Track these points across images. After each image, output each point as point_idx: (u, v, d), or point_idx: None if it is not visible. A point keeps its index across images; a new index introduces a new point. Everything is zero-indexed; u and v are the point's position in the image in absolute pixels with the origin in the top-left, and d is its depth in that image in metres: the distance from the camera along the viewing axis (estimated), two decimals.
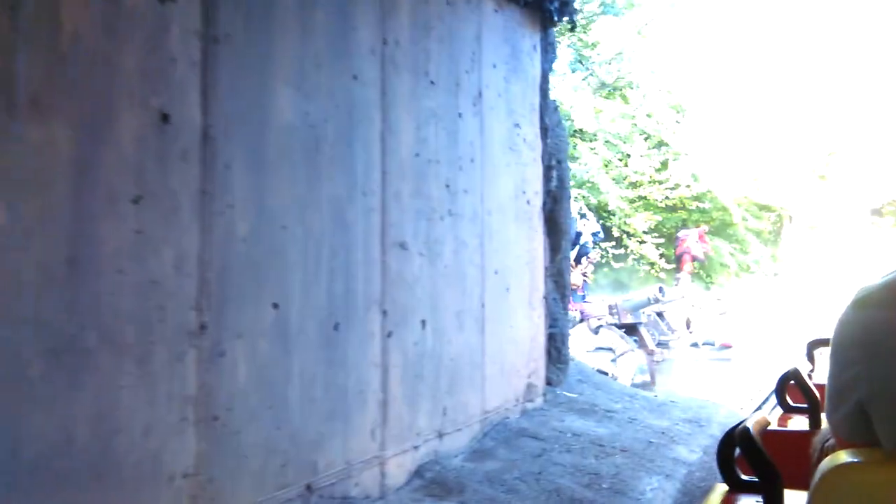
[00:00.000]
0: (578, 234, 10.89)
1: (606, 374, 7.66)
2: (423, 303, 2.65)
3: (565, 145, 4.12)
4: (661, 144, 17.66)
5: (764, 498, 1.32)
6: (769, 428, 1.58)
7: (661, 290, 9.71)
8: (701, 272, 20.09)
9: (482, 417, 3.11)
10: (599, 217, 17.35)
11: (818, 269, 21.36)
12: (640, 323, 10.28)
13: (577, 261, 13.31)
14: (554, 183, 3.93)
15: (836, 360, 1.16)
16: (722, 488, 1.56)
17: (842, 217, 23.43)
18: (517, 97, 3.59)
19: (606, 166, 16.02)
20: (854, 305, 1.12)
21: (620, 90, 17.01)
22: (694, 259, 16.52)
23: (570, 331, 8.08)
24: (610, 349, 8.05)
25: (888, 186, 22.99)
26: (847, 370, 1.11)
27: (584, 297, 13.55)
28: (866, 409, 1.08)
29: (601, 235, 14.03)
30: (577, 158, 15.56)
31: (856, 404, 1.09)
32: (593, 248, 14.16)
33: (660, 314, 13.75)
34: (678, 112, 17.54)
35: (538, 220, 3.82)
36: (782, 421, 2.47)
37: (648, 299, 9.74)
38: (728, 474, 1.51)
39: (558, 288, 4.10)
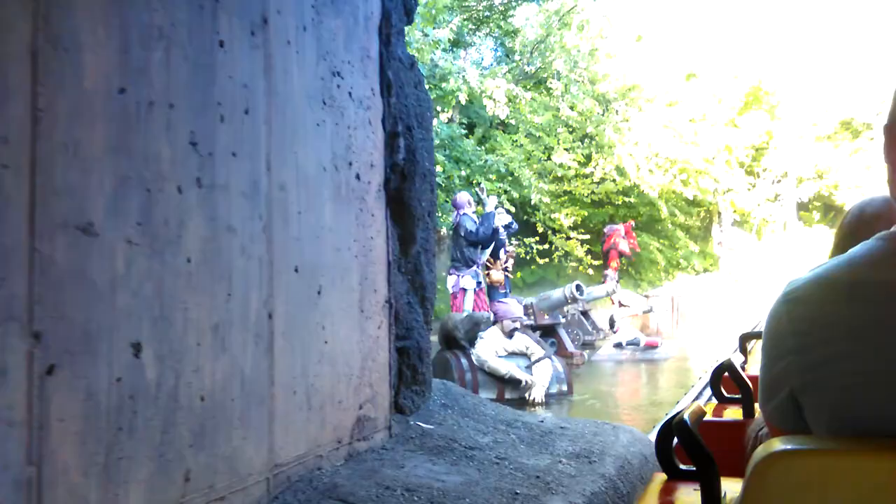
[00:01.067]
0: (496, 230, 10.08)
1: (521, 382, 6.86)
2: (136, 316, 1.72)
3: (425, 111, 3.23)
4: (585, 137, 17.06)
5: (701, 485, 1.38)
6: (705, 418, 1.61)
7: (578, 287, 8.95)
8: (630, 269, 19.60)
9: (271, 474, 2.21)
10: (524, 213, 16.66)
11: (748, 264, 21.17)
12: (559, 324, 9.52)
13: (496, 255, 12.54)
14: (401, 155, 3.05)
15: (767, 352, 1.19)
16: (661, 477, 1.68)
17: (770, 212, 23.37)
18: (338, 38, 2.69)
19: (528, 160, 15.31)
20: (783, 299, 1.16)
21: (543, 81, 16.33)
22: (621, 255, 15.91)
23: (484, 334, 7.27)
24: (524, 355, 7.24)
25: (814, 182, 23.00)
26: (778, 362, 1.15)
27: (506, 294, 12.78)
28: (798, 398, 1.12)
29: (515, 227, 13.28)
30: (496, 150, 14.81)
31: (788, 394, 1.14)
32: (510, 242, 13.42)
33: (584, 313, 13.07)
34: (602, 104, 16.94)
35: (377, 202, 2.93)
36: (717, 411, 2.58)
37: (565, 297, 8.98)
38: (666, 464, 1.63)
39: (415, 289, 3.21)
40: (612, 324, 12.97)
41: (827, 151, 22.53)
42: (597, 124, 16.15)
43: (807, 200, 24.04)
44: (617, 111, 16.82)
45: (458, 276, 9.87)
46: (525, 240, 15.22)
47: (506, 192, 15.00)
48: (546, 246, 15.85)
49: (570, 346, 9.30)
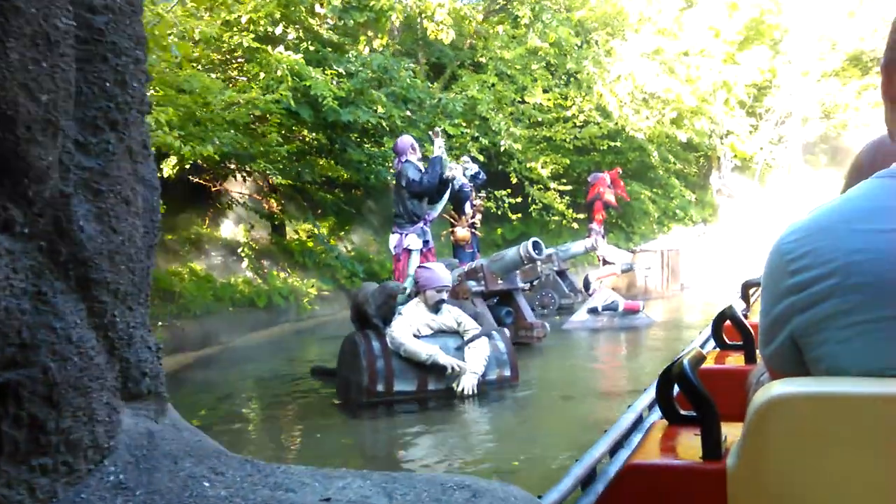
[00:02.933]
0: (447, 180, 8.43)
1: (447, 369, 5.29)
2: None
3: None
4: (564, 75, 15.24)
5: (701, 430, 1.42)
6: (707, 366, 1.82)
7: (535, 244, 7.30)
8: (620, 221, 17.93)
9: None
10: (499, 162, 14.96)
11: (750, 212, 19.45)
12: (516, 289, 7.91)
13: (460, 210, 10.94)
14: None
15: (766, 294, 1.19)
16: (662, 423, 1.72)
17: (773, 156, 21.59)
18: None
19: (500, 101, 13.54)
20: (781, 240, 1.16)
21: (514, 14, 14.45)
22: (607, 206, 14.25)
23: (403, 309, 5.69)
24: (455, 333, 5.66)
25: (820, 122, 21.17)
26: (777, 303, 1.14)
27: (473, 254, 11.19)
28: (797, 340, 1.12)
29: (483, 177, 11.64)
30: (464, 91, 13.05)
31: (787, 336, 1.13)
32: (478, 195, 11.78)
33: (561, 273, 11.49)
34: (581, 35, 15.06)
35: None
36: (719, 359, 2.59)
37: (520, 257, 7.35)
38: (667, 409, 1.68)
39: (52, 265, 1.60)
40: (586, 285, 11.39)
41: (834, 89, 20.67)
42: (577, 60, 14.32)
43: (813, 142, 22.24)
44: (597, 42, 14.96)
45: (401, 234, 8.25)
46: (496, 192, 13.52)
47: (474, 138, 13.28)
48: (519, 199, 14.13)
49: (529, 316, 7.71)
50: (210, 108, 5.97)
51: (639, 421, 2.60)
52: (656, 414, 2.36)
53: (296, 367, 7.38)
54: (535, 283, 11.49)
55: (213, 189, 13.06)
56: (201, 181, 12.68)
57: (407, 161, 8.26)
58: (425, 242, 8.30)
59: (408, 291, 5.98)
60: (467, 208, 11.15)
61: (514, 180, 14.58)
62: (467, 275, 7.65)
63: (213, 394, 6.32)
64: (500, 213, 13.73)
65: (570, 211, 15.02)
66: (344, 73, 8.58)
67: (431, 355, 5.32)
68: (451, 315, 5.67)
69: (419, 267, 5.78)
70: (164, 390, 2.12)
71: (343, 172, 10.73)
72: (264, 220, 12.32)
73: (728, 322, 2.54)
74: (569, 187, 15.38)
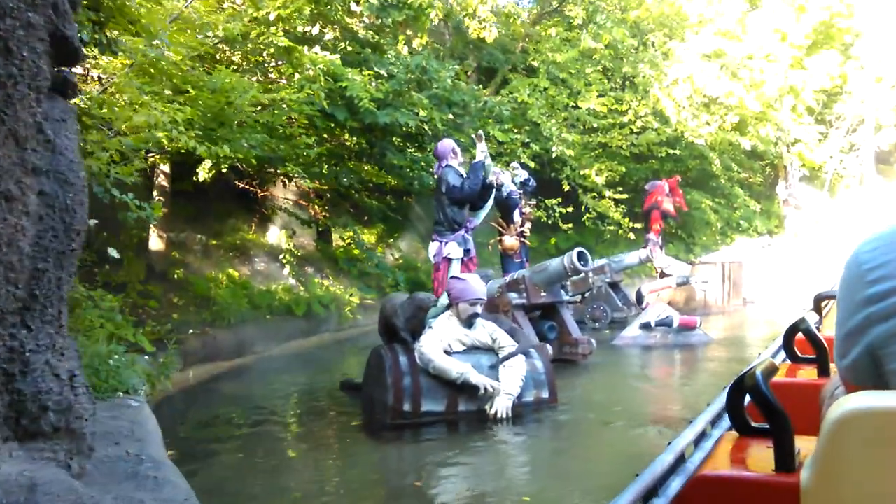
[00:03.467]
0: (491, 186, 7.98)
1: (479, 389, 4.85)
2: None
3: None
4: (620, 78, 14.63)
5: (774, 442, 1.38)
6: (778, 378, 1.77)
7: (581, 255, 6.78)
8: (680, 232, 17.21)
9: None
10: (551, 169, 14.45)
11: (819, 224, 18.48)
12: (561, 302, 7.40)
13: (508, 218, 10.48)
14: None
15: (842, 306, 1.15)
16: (732, 435, 1.70)
17: (844, 165, 20.51)
18: None
19: (552, 106, 13.02)
20: (858, 250, 1.12)
21: (567, 15, 13.90)
22: (665, 216, 13.60)
23: (435, 322, 5.27)
24: (489, 350, 5.21)
25: (895, 129, 19.99)
26: (854, 315, 1.10)
27: (522, 264, 10.72)
28: (875, 352, 1.08)
29: (533, 184, 11.17)
30: (512, 94, 12.59)
31: (864, 349, 1.09)
32: (528, 202, 11.29)
33: (614, 285, 10.93)
34: (637, 36, 14.43)
35: None
36: (791, 372, 2.51)
37: (564, 268, 6.84)
38: (738, 421, 1.64)
39: None
40: (639, 299, 10.79)
41: None
42: (633, 63, 13.70)
43: (887, 151, 21.06)
44: (653, 44, 14.29)
45: (441, 242, 7.80)
46: (547, 201, 13.00)
47: (524, 144, 12.80)
48: (571, 209, 13.57)
49: (574, 331, 7.19)
50: (233, 107, 5.65)
51: (703, 433, 2.41)
52: (723, 426, 2.24)
53: (327, 380, 7.02)
54: (586, 295, 10.98)
55: (260, 194, 12.90)
56: (247, 186, 12.53)
57: (448, 166, 7.83)
58: (466, 251, 7.83)
59: (440, 303, 5.55)
60: (516, 216, 10.68)
61: (567, 188, 14.03)
62: (508, 286, 7.19)
63: (236, 408, 6.00)
64: (550, 222, 13.19)
65: (627, 220, 14.39)
66: (385, 74, 8.21)
67: (462, 373, 4.87)
68: (486, 330, 5.22)
69: (452, 278, 5.35)
70: (82, 426, 1.72)
71: (389, 178, 10.38)
72: (307, 226, 12.07)
73: (800, 335, 2.47)
74: (625, 196, 14.78)
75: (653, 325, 8.57)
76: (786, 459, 1.35)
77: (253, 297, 9.45)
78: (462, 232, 7.83)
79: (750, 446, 1.58)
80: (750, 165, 18.90)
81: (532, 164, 12.49)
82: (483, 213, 8.27)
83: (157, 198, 9.21)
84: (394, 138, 9.40)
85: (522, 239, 10.83)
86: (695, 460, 1.99)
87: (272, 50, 7.13)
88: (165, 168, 9.02)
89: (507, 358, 5.10)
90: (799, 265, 14.52)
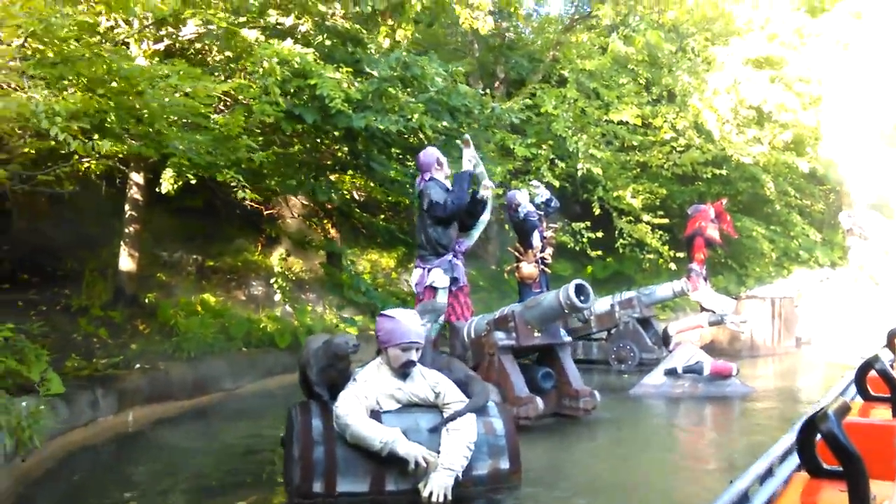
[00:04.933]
0: (481, 201, 6.81)
1: (407, 464, 3.68)
2: None
3: None
4: (656, 89, 13.27)
5: (848, 486, 1.36)
6: (850, 418, 1.64)
7: (579, 289, 5.53)
8: (731, 262, 15.69)
9: None
10: (583, 190, 13.19)
11: (889, 257, 16.72)
12: (561, 344, 6.15)
13: (526, 242, 9.34)
14: None
15: None
16: (802, 476, 1.70)
17: None
18: None
19: (582, 119, 11.78)
20: None
21: (595, 19, 12.67)
22: (709, 243, 12.20)
23: (362, 372, 4.10)
24: (432, 407, 4.03)
25: None
26: None
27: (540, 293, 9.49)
28: None
29: (555, 204, 10.00)
30: (539, 107, 11.43)
31: None
32: (550, 225, 10.10)
33: (645, 321, 9.60)
34: (674, 40, 13.07)
35: None
36: (863, 411, 2.48)
37: (560, 305, 5.61)
38: (809, 462, 1.63)
39: None
40: (665, 339, 9.43)
41: None
42: (669, 68, 12.36)
43: None
44: (693, 49, 12.91)
45: (424, 269, 6.67)
46: (573, 224, 11.74)
47: (550, 161, 11.60)
48: (601, 233, 12.26)
49: (575, 381, 5.92)
50: (143, 98, 4.65)
51: (769, 473, 2.12)
52: (789, 466, 1.98)
53: (279, 430, 5.92)
54: (611, 332, 9.71)
55: (265, 213, 12.00)
56: (252, 204, 11.66)
57: (431, 179, 6.69)
58: (454, 280, 6.67)
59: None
60: (535, 241, 9.51)
61: (598, 211, 12.72)
62: (496, 324, 5.99)
63: (143, 469, 4.93)
64: (578, 248, 11.91)
65: (667, 248, 13.00)
66: (369, 72, 7.15)
67: (387, 442, 3.71)
68: (426, 382, 4.04)
69: (380, 315, 4.18)
70: None
71: (386, 193, 9.32)
72: (307, 247, 11.10)
73: (873, 373, 2.45)
74: (666, 220, 13.41)
75: (679, 371, 7.25)
76: None
77: (230, 326, 8.44)
78: (448, 256, 6.67)
79: (822, 489, 1.56)
80: (810, 190, 17.27)
81: (556, 184, 11.28)
82: (476, 234, 7.08)
83: (128, 212, 8.33)
84: (389, 148, 8.32)
85: (543, 266, 9.64)
86: (760, 501, 1.83)
87: (212, 33, 6.13)
88: (138, 178, 8.12)
89: (452, 418, 3.91)
90: (863, 301, 12.87)
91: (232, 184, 6.00)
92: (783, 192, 15.19)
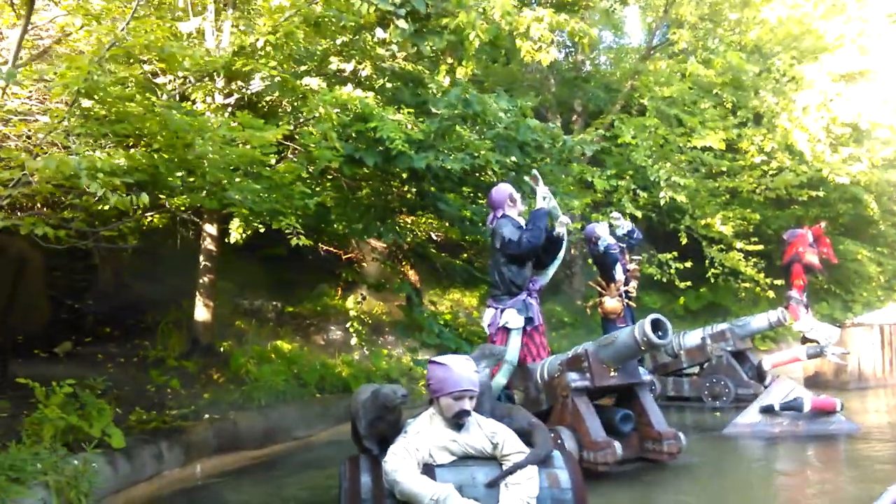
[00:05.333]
0: (557, 238, 6.54)
1: None
2: None
3: None
4: (744, 112, 12.65)
5: None
6: None
7: (656, 323, 5.13)
8: (835, 288, 14.72)
9: None
10: (671, 220, 12.66)
11: None
12: (641, 384, 5.72)
13: (608, 276, 8.96)
14: None
15: None
16: None
17: None
18: None
19: (662, 148, 11.32)
20: None
21: (674, 45, 12.21)
22: (809, 269, 11.43)
23: (414, 423, 3.85)
24: (490, 459, 3.72)
25: None
26: None
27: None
28: None
29: (638, 236, 9.58)
30: (618, 137, 11.06)
31: None
32: (632, 258, 9.66)
33: (739, 354, 8.99)
34: (759, 61, 12.44)
35: None
36: None
37: (636, 341, 5.22)
38: None
39: None
40: (760, 374, 8.76)
41: None
42: (755, 89, 11.75)
43: None
44: (778, 69, 12.24)
45: (497, 309, 6.41)
46: (660, 256, 11.22)
47: (631, 192, 11.17)
48: (689, 263, 11.68)
49: (658, 423, 5.47)
50: (191, 149, 4.59)
51: None
52: None
53: None
54: (704, 366, 9.14)
55: (344, 257, 12.00)
56: (330, 249, 11.67)
57: (504, 216, 6.46)
58: (529, 319, 6.37)
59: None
60: (618, 274, 9.09)
61: (684, 240, 12.14)
62: (569, 364, 5.63)
63: None
64: (665, 279, 11.37)
65: (762, 276, 12.27)
66: (432, 111, 7.00)
67: (439, 499, 3.42)
68: (483, 432, 3.74)
69: (430, 362, 3.92)
70: None
71: (459, 232, 9.12)
72: (384, 289, 10.98)
73: None
74: (760, 247, 12.68)
75: (776, 408, 6.67)
76: None
77: (303, 373, 8.33)
78: (523, 296, 6.38)
79: None
80: None
81: (639, 215, 10.82)
82: (551, 272, 6.77)
83: (202, 263, 8.39)
84: (461, 187, 8.13)
85: (628, 300, 9.20)
86: None
87: (262, 83, 6.09)
88: (211, 229, 8.17)
89: (511, 471, 3.60)
90: None
91: (287, 231, 5.88)
92: (888, 211, 14.19)
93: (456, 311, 12.70)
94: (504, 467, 3.64)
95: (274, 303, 10.89)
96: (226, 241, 7.63)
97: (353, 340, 9.75)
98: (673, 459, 5.43)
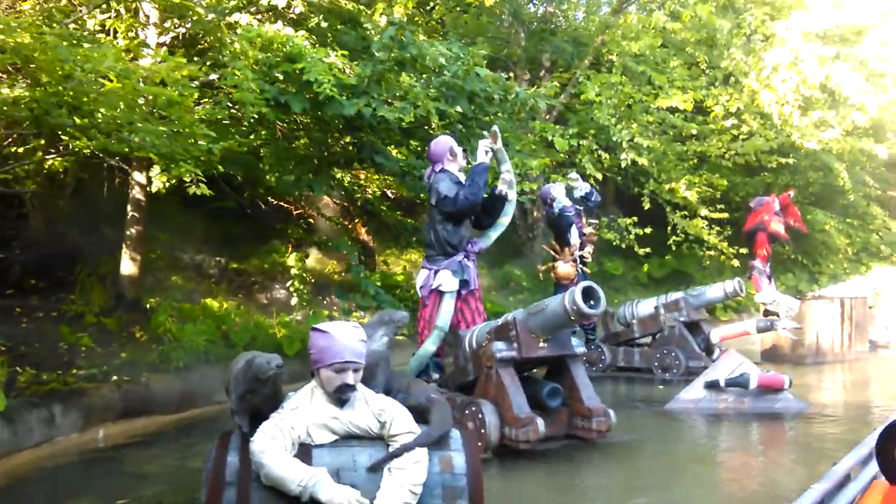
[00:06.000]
0: (499, 196, 6.09)
1: None
2: None
3: None
4: (716, 72, 12.18)
5: None
6: None
7: (588, 291, 4.70)
8: (803, 259, 14.42)
9: None
10: (635, 184, 12.23)
11: None
12: (572, 356, 5.31)
13: (563, 239, 8.56)
14: None
15: None
16: (883, 484, 1.66)
17: None
18: None
19: (627, 107, 10.82)
20: None
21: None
22: (773, 239, 11.09)
23: (289, 400, 3.39)
24: (376, 439, 3.29)
25: None
26: None
27: None
28: None
29: (596, 199, 9.18)
30: (582, 94, 10.56)
31: None
32: (589, 221, 9.26)
33: (693, 325, 8.65)
34: (729, 14, 11.91)
35: None
36: None
37: (566, 311, 4.79)
38: (889, 469, 1.61)
39: None
40: (708, 348, 8.42)
41: None
42: (725, 47, 11.23)
43: None
44: (750, 25, 11.71)
45: (430, 270, 5.97)
46: (620, 220, 10.81)
47: (592, 152, 10.71)
48: (649, 229, 11.27)
49: (588, 398, 5.08)
50: (67, 81, 4.05)
51: (847, 476, 2.12)
52: (869, 473, 2.01)
53: None
54: (656, 337, 8.79)
55: (294, 213, 11.50)
56: (282, 203, 11.15)
57: (442, 171, 5.99)
58: (464, 283, 5.94)
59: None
60: (573, 237, 8.69)
61: (647, 205, 11.73)
62: (497, 332, 5.20)
63: (90, 494, 4.35)
64: (623, 245, 10.97)
65: (727, 244, 11.91)
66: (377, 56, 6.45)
67: (307, 485, 2.98)
68: (370, 409, 3.29)
69: (312, 329, 3.46)
70: None
71: (415, 190, 8.66)
72: (331, 248, 10.52)
73: None
74: (726, 215, 12.30)
75: (722, 384, 6.31)
76: None
77: (233, 333, 7.88)
78: (459, 257, 5.94)
79: None
80: (894, 180, 15.82)
81: (600, 177, 10.37)
82: (494, 234, 6.29)
83: (130, 213, 7.86)
84: (408, 139, 7.63)
85: (582, 266, 8.82)
86: None
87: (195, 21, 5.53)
88: (140, 178, 7.62)
89: (396, 454, 3.17)
90: None
91: (186, 178, 5.37)
92: (861, 181, 13.84)
93: (411, 272, 12.27)
94: (391, 449, 3.21)
95: (218, 258, 10.40)
96: (148, 189, 7.10)
97: (295, 300, 9.29)
98: (602, 438, 5.04)
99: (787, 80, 11.10)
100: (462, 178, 6.00)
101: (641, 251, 11.18)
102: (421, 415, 3.41)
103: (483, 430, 4.76)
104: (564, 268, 8.61)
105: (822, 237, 13.72)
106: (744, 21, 11.73)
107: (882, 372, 8.93)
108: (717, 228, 11.96)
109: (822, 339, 9.45)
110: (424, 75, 6.97)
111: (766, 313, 9.80)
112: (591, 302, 4.73)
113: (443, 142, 6.06)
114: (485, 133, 6.64)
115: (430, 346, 5.72)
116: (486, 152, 6.00)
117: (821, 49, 11.18)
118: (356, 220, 11.33)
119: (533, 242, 13.04)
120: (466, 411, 4.92)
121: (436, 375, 5.78)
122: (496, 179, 6.22)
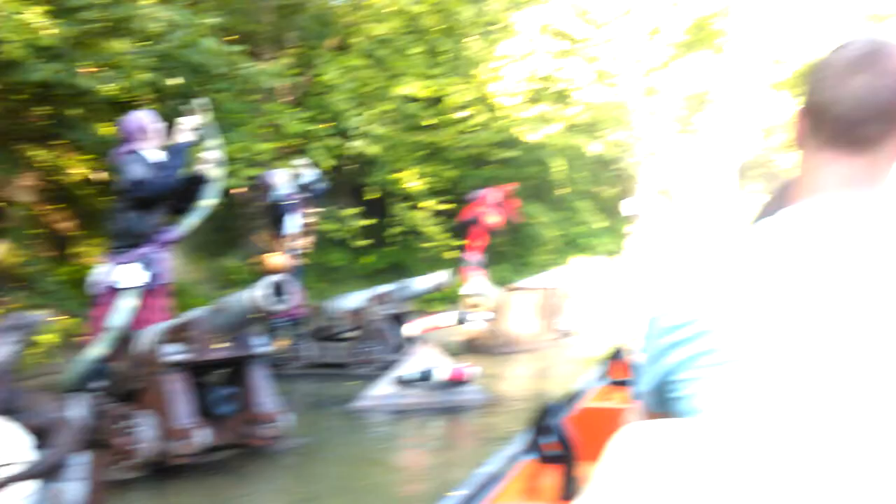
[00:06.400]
0: (197, 179, 5.70)
1: None
2: None
3: None
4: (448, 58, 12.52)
5: (561, 471, 1.61)
6: (593, 403, 1.88)
7: (276, 287, 4.62)
8: (515, 250, 15.30)
9: None
10: (366, 173, 12.33)
11: (671, 245, 17.06)
12: (253, 357, 5.22)
13: (277, 229, 8.38)
14: None
15: (646, 330, 1.14)
16: (531, 463, 1.83)
17: (705, 180, 19.15)
18: None
19: (363, 93, 10.82)
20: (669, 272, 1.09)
21: None
22: (489, 230, 11.76)
23: None
24: None
25: (756, 141, 18.73)
26: (653, 340, 1.10)
27: None
28: (668, 379, 1.06)
29: (322, 187, 9.15)
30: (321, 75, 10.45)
31: (660, 374, 1.07)
32: (312, 211, 9.19)
33: (398, 317, 8.85)
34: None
35: None
36: (606, 395, 2.67)
37: (251, 307, 4.69)
38: (534, 447, 1.79)
39: None
40: (398, 343, 8.60)
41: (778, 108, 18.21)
42: (461, 37, 11.54)
43: (748, 165, 19.90)
44: (490, 14, 12.11)
45: (112, 263, 5.53)
46: (340, 212, 10.85)
47: (323, 137, 10.63)
48: (375, 220, 11.47)
49: (261, 403, 5.02)
50: None
51: (514, 459, 2.12)
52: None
53: None
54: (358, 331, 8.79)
55: None
56: None
57: (133, 152, 5.52)
58: (154, 276, 5.56)
59: None
60: (290, 227, 8.56)
61: (369, 195, 11.88)
62: (171, 334, 4.98)
63: None
64: (344, 237, 11.05)
65: (447, 236, 12.41)
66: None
67: None
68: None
69: None
70: None
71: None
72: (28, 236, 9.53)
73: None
74: (452, 206, 12.81)
75: (408, 378, 6.55)
76: (569, 487, 1.55)
77: None
78: (145, 249, 5.54)
79: (546, 474, 1.69)
80: (604, 176, 17.26)
81: (331, 164, 10.32)
82: (193, 221, 5.89)
83: None
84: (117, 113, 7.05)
85: (297, 257, 8.72)
86: (493, 489, 1.84)
87: None
88: None
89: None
90: (635, 290, 12.87)
91: None
92: (572, 177, 14.97)
93: None
94: None
95: None
96: None
97: None
98: (273, 444, 4.99)
99: (515, 71, 11.50)
100: (160, 157, 5.58)
101: (362, 243, 11.28)
102: (46, 437, 3.17)
103: (134, 447, 4.51)
104: (276, 260, 8.51)
105: (531, 230, 14.62)
106: (484, 9, 12.04)
107: (566, 358, 9.70)
108: (442, 220, 12.39)
109: (518, 329, 10.11)
110: (145, 43, 6.44)
111: (469, 305, 10.37)
112: (278, 295, 4.67)
113: (133, 118, 5.62)
114: (193, 107, 6.27)
115: (96, 350, 5.27)
116: (194, 130, 5.65)
117: (554, 43, 11.69)
118: (49, 207, 10.27)
119: (254, 233, 12.72)
120: (118, 425, 4.63)
121: (103, 384, 5.34)
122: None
